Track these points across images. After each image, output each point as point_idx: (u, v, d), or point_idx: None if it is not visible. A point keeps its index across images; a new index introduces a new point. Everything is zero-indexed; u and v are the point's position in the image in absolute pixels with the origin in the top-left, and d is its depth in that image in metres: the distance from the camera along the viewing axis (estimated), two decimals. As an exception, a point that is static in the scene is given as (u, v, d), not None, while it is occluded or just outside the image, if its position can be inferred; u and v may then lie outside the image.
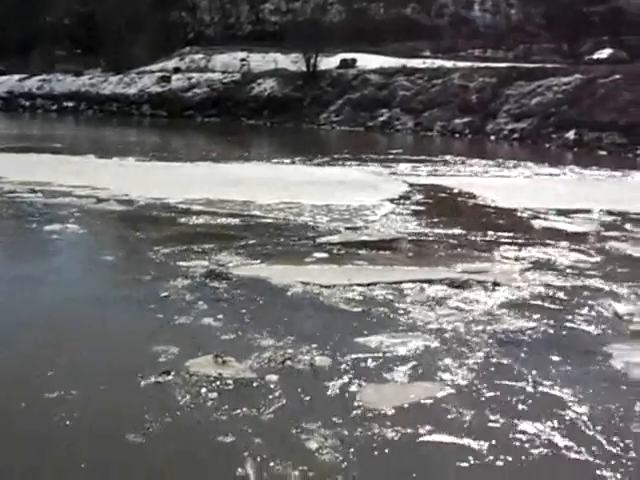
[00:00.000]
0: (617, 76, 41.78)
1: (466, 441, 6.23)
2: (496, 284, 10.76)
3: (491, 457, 6.01)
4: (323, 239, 13.66)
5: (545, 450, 6.12)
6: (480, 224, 15.62)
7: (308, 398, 7.13)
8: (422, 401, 7.05)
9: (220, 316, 9.24)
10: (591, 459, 5.96)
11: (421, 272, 11.45)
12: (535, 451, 6.10)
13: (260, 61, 57.63)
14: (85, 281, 11.42)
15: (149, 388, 7.35)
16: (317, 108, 50.62)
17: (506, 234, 14.59)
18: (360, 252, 12.73)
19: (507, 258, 12.60)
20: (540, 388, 7.23)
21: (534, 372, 7.54)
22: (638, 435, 6.32)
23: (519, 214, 17.23)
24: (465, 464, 5.91)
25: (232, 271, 11.24)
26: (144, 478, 5.96)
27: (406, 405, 6.98)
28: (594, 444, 6.17)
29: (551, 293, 10.48)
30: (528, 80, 44.59)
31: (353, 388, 7.33)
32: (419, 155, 31.65)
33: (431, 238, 14.21)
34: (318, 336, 8.61)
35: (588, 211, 17.39)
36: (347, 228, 14.78)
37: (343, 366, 7.84)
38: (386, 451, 6.20)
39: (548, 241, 14.06)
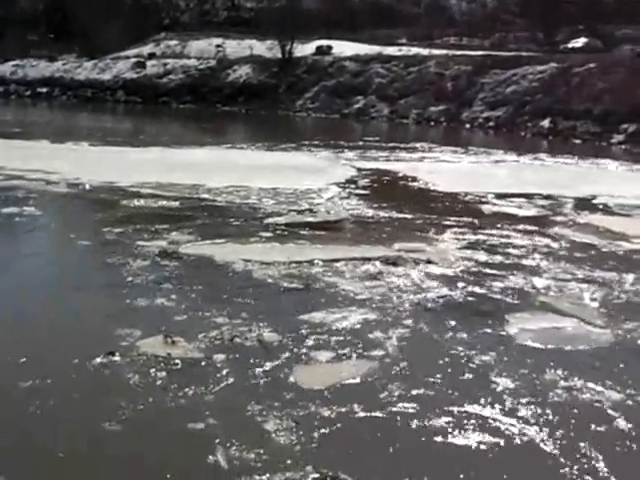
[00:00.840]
0: (592, 65, 42.03)
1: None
2: (429, 261, 11.44)
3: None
4: (269, 220, 14.29)
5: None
6: (420, 207, 16.34)
7: (257, 376, 7.37)
8: (365, 375, 7.46)
9: (172, 296, 9.56)
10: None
11: (359, 251, 12.08)
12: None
13: (236, 47, 57.48)
14: (39, 263, 11.58)
15: (97, 368, 7.49)
16: (293, 95, 50.60)
17: (445, 216, 15.33)
18: (303, 232, 13.44)
19: (444, 238, 13.34)
20: (448, 351, 8.14)
21: (446, 336, 8.54)
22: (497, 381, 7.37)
23: (459, 197, 17.94)
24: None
25: (181, 250, 11.80)
26: (88, 454, 6.07)
27: (354, 380, 7.40)
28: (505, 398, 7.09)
29: (480, 269, 11.34)
30: (503, 68, 44.78)
31: (300, 365, 7.64)
32: (388, 143, 31.91)
33: (372, 220, 14.92)
34: (263, 313, 8.98)
35: (528, 195, 18.18)
36: (292, 210, 15.37)
37: (290, 342, 8.18)
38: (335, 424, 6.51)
39: (484, 223, 14.82)
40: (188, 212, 14.86)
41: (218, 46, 58.23)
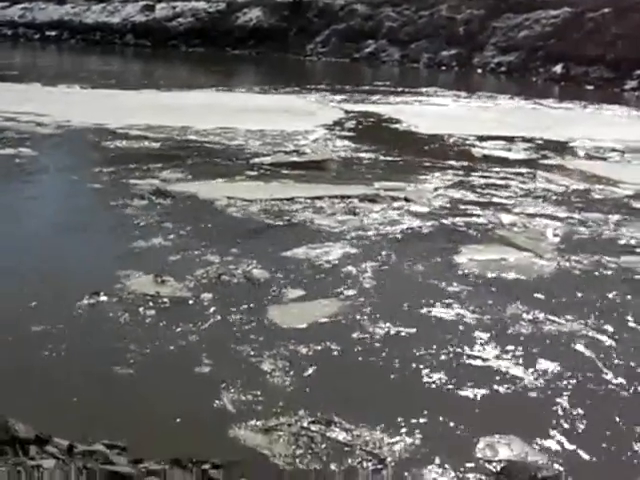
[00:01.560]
0: (606, 10, 41.38)
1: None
2: (407, 199, 12.32)
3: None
4: (255, 160, 15.10)
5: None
6: (403, 148, 17.12)
7: (243, 314, 7.80)
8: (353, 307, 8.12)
9: (163, 234, 10.20)
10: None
11: (340, 189, 12.84)
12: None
13: (245, -10, 56.83)
14: (35, 203, 11.91)
15: (86, 307, 7.71)
16: (303, 39, 50.14)
17: (424, 158, 16.14)
18: (286, 172, 14.21)
19: (422, 179, 14.14)
20: (408, 278, 9.14)
21: (406, 266, 9.54)
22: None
23: (440, 139, 18.83)
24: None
25: (170, 189, 12.66)
26: (84, 390, 6.41)
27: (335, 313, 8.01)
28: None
29: (454, 206, 12.28)
30: (516, 12, 44.18)
31: (285, 302, 8.16)
32: (394, 87, 32.18)
33: (355, 160, 15.68)
34: (249, 251, 9.62)
35: (508, 138, 18.92)
36: (277, 151, 16.11)
37: (275, 279, 8.72)
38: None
39: (462, 164, 15.58)
40: (175, 153, 15.69)
41: (228, -12, 57.51)
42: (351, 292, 8.47)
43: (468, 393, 6.58)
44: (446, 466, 5.54)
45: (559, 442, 5.91)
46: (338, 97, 27.15)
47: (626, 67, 37.55)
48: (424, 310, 8.18)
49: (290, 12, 51.86)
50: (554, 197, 13.29)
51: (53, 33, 60.31)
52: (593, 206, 12.75)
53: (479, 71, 42.70)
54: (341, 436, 5.79)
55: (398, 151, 16.69)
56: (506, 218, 11.62)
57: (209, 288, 8.38)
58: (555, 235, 10.91)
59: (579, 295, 8.77)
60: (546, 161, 16.55)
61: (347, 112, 22.97)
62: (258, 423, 5.94)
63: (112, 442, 5.44)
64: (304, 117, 21.26)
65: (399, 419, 6.07)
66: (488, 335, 7.62)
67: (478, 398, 6.52)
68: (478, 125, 21.00)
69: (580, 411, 6.34)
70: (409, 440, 5.82)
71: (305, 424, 5.91)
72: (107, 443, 5.43)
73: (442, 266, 9.51)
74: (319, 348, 7.13)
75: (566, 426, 6.14)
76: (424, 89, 31.52)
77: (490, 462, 5.60)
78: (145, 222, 10.91)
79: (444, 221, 11.38)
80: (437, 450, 5.71)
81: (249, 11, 53.73)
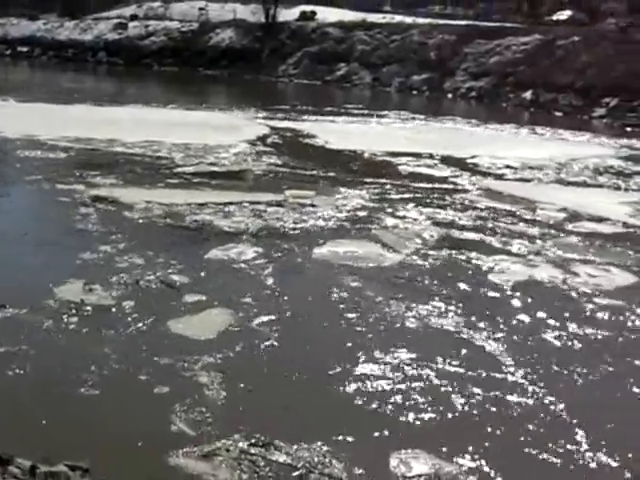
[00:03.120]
0: (576, 38, 42.12)
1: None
2: (312, 205, 13.52)
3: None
4: (177, 170, 16.10)
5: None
6: (316, 162, 18.19)
7: (166, 320, 8.07)
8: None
9: (90, 240, 10.68)
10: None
11: (252, 196, 13.96)
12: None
13: (219, 10, 57.13)
14: None
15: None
16: (275, 60, 50.45)
17: (334, 169, 17.29)
18: (204, 181, 15.23)
19: (328, 189, 15.23)
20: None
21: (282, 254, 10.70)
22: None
23: (349, 154, 20.11)
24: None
25: (94, 193, 13.44)
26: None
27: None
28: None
29: (353, 210, 13.48)
30: (487, 39, 44.81)
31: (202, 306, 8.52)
32: (338, 108, 33.14)
33: (271, 171, 16.77)
34: (166, 252, 10.28)
35: (415, 154, 20.16)
36: (198, 162, 17.07)
37: (189, 281, 9.27)
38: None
39: (368, 175, 16.79)
40: (99, 162, 16.51)
41: (201, 9, 57.90)
42: (252, 294, 9.02)
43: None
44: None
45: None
46: (271, 115, 28.23)
47: (595, 95, 37.97)
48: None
49: (263, 33, 52.11)
50: (439, 202, 14.66)
51: (25, 49, 60.16)
52: (470, 211, 14.13)
53: (450, 96, 42.99)
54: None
55: (311, 164, 17.86)
56: (391, 221, 12.85)
57: (130, 295, 8.67)
58: (428, 236, 12.04)
59: (411, 279, 9.98)
60: (440, 172, 18.10)
61: (272, 128, 24.13)
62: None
63: (75, 463, 5.32)
64: (229, 132, 22.34)
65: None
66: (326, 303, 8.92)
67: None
68: (391, 142, 22.45)
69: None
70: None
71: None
72: (70, 464, 5.30)
73: (307, 256, 10.70)
74: (231, 355, 7.35)
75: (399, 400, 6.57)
76: (367, 110, 32.51)
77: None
78: (65, 226, 11.50)
79: (335, 223, 12.58)
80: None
81: (222, 31, 54.04)
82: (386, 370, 7.24)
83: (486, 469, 5.73)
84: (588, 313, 9.08)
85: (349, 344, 7.77)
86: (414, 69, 45.63)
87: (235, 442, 5.82)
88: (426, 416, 6.47)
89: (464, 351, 7.74)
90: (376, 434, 6.14)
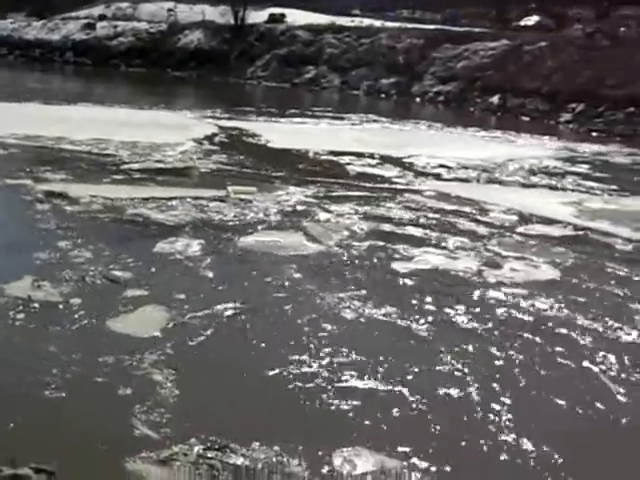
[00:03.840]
0: (543, 43, 42.44)
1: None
2: (254, 200, 14.13)
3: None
4: (123, 167, 16.54)
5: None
6: (264, 160, 18.86)
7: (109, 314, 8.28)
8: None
9: (39, 235, 10.95)
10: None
11: (195, 191, 14.44)
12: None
13: (187, 12, 56.96)
14: None
15: None
16: (244, 62, 50.41)
17: (274, 167, 17.89)
18: (149, 177, 15.68)
19: (269, 185, 15.83)
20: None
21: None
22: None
23: (293, 152, 20.83)
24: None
25: (41, 188, 13.79)
26: None
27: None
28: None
29: (292, 205, 14.17)
30: (455, 43, 45.01)
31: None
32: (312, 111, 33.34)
33: (216, 169, 17.31)
34: (110, 247, 10.62)
35: (357, 153, 20.87)
36: (145, 160, 17.47)
37: (134, 276, 9.51)
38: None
39: (307, 173, 17.62)
40: (47, 159, 16.83)
41: (169, 10, 57.72)
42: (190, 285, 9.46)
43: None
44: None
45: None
46: (223, 115, 28.65)
47: (561, 100, 38.23)
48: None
49: (232, 35, 52.00)
50: (372, 199, 15.33)
51: (-10, 48, 59.56)
52: (403, 207, 14.85)
53: (417, 100, 43.10)
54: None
55: (257, 162, 18.50)
56: (323, 216, 13.48)
57: (77, 291, 8.81)
58: (357, 229, 12.70)
59: (323, 266, 10.67)
60: (375, 170, 18.95)
61: (220, 127, 24.69)
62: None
63: (40, 466, 5.28)
64: (178, 131, 22.71)
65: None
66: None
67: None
68: (335, 142, 22.98)
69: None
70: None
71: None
72: (35, 467, 5.27)
73: (227, 242, 11.50)
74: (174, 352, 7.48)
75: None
76: (331, 113, 32.65)
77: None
78: (13, 221, 12.05)
79: (271, 217, 13.23)
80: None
81: (190, 33, 53.90)
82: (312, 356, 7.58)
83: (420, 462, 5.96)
84: (480, 300, 9.63)
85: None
86: (382, 73, 45.72)
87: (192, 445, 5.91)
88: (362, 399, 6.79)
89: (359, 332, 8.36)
90: (321, 426, 6.36)
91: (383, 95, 44.43)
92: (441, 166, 19.82)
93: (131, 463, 5.60)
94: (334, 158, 20.09)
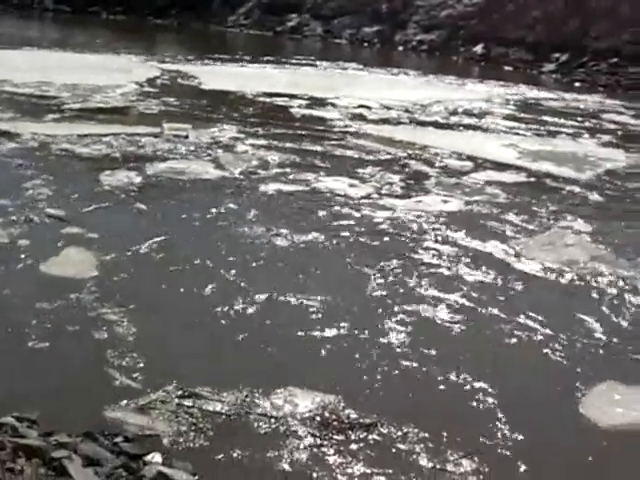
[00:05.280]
0: (528, -8, 41.82)
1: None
2: (186, 136, 15.22)
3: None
4: (64, 107, 17.25)
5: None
6: (196, 101, 20.05)
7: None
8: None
9: None
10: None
11: (132, 129, 15.29)
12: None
13: (169, -43, 55.86)
14: None
15: None
16: (226, 10, 49.82)
17: (207, 107, 19.16)
18: (89, 115, 16.49)
19: (201, 122, 16.75)
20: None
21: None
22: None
23: (225, 94, 21.87)
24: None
25: None
26: None
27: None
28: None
29: (217, 139, 15.32)
30: (439, -9, 44.29)
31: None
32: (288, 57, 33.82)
33: (154, 108, 18.16)
34: (53, 183, 11.35)
35: (290, 95, 22.01)
36: (85, 100, 18.28)
37: (72, 214, 10.11)
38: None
39: (241, 113, 18.75)
40: None
41: (151, -45, 56.46)
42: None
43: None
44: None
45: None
46: (169, 60, 29.40)
47: (545, 50, 37.97)
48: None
49: (214, -18, 51.21)
50: (287, 132, 16.73)
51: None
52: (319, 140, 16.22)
53: (401, 49, 42.78)
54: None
55: (190, 102, 19.64)
56: (241, 147, 14.83)
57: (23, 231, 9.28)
58: (269, 160, 13.98)
59: (220, 186, 12.20)
60: (302, 110, 20.13)
61: (163, 70, 25.70)
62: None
63: (22, 415, 5.43)
64: (121, 74, 23.35)
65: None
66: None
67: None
68: (259, 84, 23.86)
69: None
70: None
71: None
72: (17, 416, 5.37)
73: (144, 172, 12.64)
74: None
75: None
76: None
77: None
78: None
79: (195, 149, 14.48)
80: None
81: (172, -21, 52.87)
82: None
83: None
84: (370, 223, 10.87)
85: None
86: (365, 21, 45.35)
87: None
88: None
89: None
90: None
91: (366, 44, 44.06)
92: (360, 106, 21.01)
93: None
94: (267, 99, 21.37)
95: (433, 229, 10.62)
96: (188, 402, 6.00)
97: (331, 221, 10.58)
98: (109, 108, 17.49)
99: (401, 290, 8.49)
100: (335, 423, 5.87)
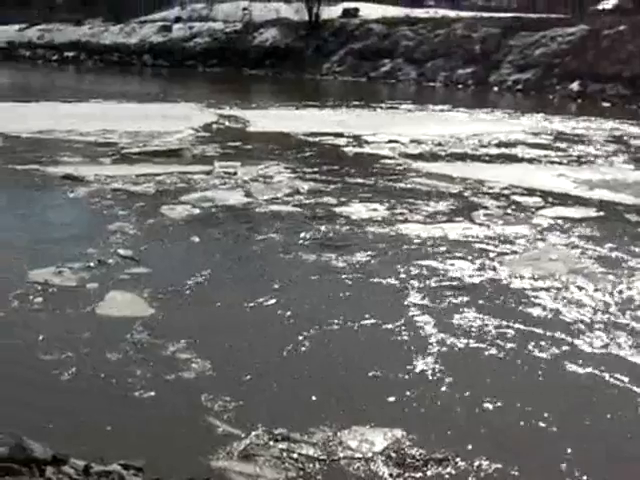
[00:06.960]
0: (622, 27, 42.05)
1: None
2: (234, 173, 16.37)
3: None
4: (124, 151, 18.96)
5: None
6: (246, 142, 21.20)
7: None
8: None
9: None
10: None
11: (185, 168, 16.89)
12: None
13: (262, 10, 57.91)
14: None
15: None
16: (319, 58, 51.12)
17: (260, 148, 20.35)
18: (147, 157, 18.17)
19: (252, 162, 17.78)
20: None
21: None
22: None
23: (275, 135, 22.89)
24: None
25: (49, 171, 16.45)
26: None
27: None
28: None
29: (260, 176, 16.32)
30: (532, 30, 44.92)
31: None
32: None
33: (208, 150, 19.44)
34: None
35: (336, 134, 22.73)
36: (144, 144, 19.91)
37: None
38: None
39: (290, 152, 19.50)
40: (56, 147, 19.48)
41: (244, 9, 58.67)
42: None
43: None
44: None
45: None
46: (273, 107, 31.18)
47: (642, 84, 37.87)
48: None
49: (306, 32, 52.69)
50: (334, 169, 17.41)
51: (71, 54, 61.44)
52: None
53: (495, 89, 43.17)
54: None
55: (240, 142, 20.87)
56: (277, 178, 16.06)
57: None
58: (299, 189, 14.95)
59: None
60: (334, 140, 21.64)
61: (220, 115, 27.06)
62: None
63: (128, 462, 5.41)
64: (180, 120, 24.75)
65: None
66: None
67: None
68: (318, 125, 24.67)
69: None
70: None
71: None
72: (123, 463, 5.36)
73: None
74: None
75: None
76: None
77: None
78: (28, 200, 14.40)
79: (240, 182, 15.60)
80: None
81: (265, 31, 54.83)
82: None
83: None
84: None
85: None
86: (459, 63, 45.94)
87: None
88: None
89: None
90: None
91: (460, 86, 44.59)
92: (391, 141, 21.58)
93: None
94: (310, 138, 21.99)
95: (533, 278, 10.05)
96: (282, 445, 5.88)
97: (419, 271, 10.16)
98: (163, 151, 19.25)
99: (486, 336, 8.14)
100: (408, 460, 5.87)
